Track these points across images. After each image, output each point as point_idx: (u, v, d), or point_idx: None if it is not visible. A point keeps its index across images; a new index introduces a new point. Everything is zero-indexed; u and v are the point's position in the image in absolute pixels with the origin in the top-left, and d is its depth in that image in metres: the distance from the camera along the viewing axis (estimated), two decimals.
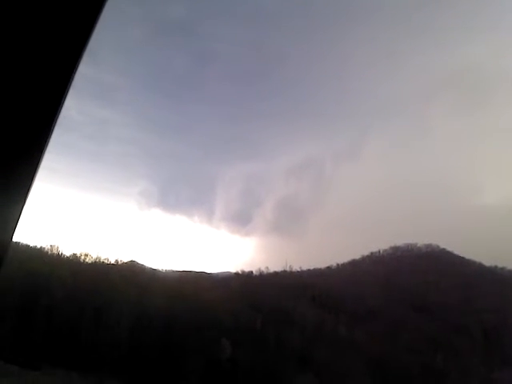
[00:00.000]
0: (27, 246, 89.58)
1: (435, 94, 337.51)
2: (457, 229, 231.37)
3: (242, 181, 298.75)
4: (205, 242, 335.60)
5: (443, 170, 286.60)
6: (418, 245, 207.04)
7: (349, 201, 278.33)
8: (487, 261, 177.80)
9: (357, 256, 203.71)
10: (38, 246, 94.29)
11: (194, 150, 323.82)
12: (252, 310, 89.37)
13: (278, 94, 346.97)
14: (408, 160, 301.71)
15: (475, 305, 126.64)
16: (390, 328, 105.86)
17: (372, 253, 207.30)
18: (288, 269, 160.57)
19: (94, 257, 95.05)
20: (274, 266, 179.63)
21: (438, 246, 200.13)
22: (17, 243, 76.56)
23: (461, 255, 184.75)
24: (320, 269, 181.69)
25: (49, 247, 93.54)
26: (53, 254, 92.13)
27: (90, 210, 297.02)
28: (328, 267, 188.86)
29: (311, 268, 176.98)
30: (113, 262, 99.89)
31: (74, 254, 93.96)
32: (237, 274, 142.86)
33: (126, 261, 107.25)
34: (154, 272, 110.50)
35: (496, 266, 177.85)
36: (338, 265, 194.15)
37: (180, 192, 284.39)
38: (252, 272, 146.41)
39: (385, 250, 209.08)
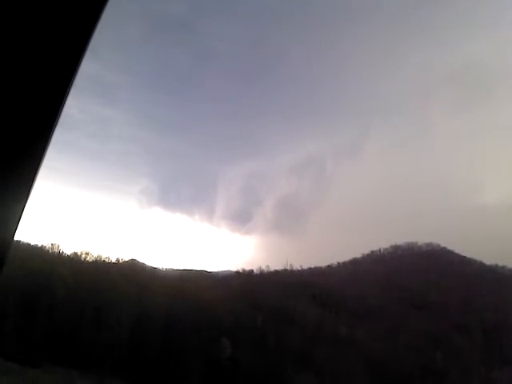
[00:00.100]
0: (28, 245, 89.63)
1: (435, 92, 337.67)
2: (457, 228, 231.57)
3: (243, 179, 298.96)
4: (205, 241, 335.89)
5: (444, 168, 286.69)
6: (419, 244, 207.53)
7: (349, 199, 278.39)
8: (488, 260, 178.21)
9: (357, 255, 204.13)
10: (39, 245, 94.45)
11: (195, 148, 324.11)
12: (252, 309, 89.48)
13: (278, 92, 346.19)
14: (408, 159, 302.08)
15: (475, 304, 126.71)
16: (390, 327, 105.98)
17: (373, 251, 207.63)
18: (288, 267, 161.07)
19: (95, 255, 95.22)
20: (275, 264, 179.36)
21: (438, 245, 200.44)
22: (18, 242, 76.60)
23: (461, 254, 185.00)
24: (320, 267, 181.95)
25: (50, 246, 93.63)
26: (53, 253, 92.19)
27: (91, 208, 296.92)
28: (328, 266, 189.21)
29: (312, 267, 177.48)
30: (114, 260, 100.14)
31: (75, 253, 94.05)
32: (237, 272, 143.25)
33: (126, 259, 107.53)
34: (154, 271, 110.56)
35: (496, 265, 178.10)
36: (338, 263, 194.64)
37: (181, 190, 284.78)
38: (252, 271, 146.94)
39: (385, 249, 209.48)
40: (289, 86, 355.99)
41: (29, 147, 2.09)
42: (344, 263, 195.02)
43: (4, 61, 1.94)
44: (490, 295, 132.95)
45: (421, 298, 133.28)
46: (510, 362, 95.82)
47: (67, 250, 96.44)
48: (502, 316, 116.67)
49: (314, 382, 72.86)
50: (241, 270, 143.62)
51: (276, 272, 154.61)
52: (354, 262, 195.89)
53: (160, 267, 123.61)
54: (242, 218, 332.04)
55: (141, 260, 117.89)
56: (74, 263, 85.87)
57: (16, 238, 2.35)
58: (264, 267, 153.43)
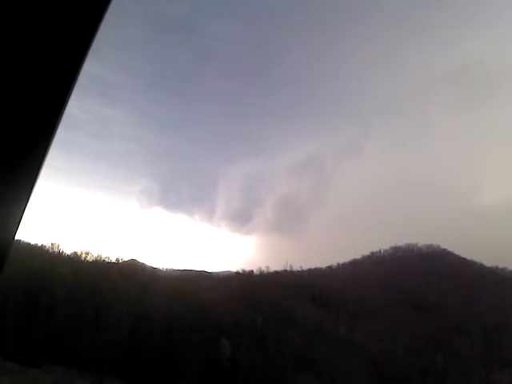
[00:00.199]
0: (28, 244, 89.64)
1: (435, 92, 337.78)
2: (458, 229, 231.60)
3: (243, 179, 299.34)
4: (205, 241, 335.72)
5: (444, 169, 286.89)
6: (419, 245, 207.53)
7: (350, 200, 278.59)
8: (488, 261, 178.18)
9: (357, 256, 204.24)
10: (39, 244, 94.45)
11: (196, 147, 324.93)
12: (252, 310, 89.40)
13: (278, 92, 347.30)
14: (408, 159, 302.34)
15: (475, 306, 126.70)
16: (390, 328, 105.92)
17: (373, 253, 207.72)
18: (288, 268, 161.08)
19: (95, 255, 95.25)
20: (275, 265, 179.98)
21: (438, 247, 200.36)
22: (18, 241, 76.60)
23: (461, 256, 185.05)
24: (320, 268, 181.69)
25: (50, 245, 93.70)
26: (54, 253, 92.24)
27: (92, 208, 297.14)
28: (329, 267, 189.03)
29: (312, 267, 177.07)
30: (114, 260, 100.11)
31: (75, 253, 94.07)
32: (237, 273, 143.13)
33: (126, 259, 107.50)
34: (154, 271, 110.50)
35: (497, 267, 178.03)
36: (338, 264, 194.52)
37: (181, 190, 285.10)
38: (252, 271, 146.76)
39: (385, 250, 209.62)
40: (289, 86, 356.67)
41: (31, 147, 2.09)
42: (344, 264, 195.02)
43: (7, 61, 1.94)
44: (490, 297, 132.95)
45: (421, 299, 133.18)
46: (510, 364, 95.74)
47: (67, 249, 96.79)
48: (502, 318, 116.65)
49: (313, 382, 72.83)
50: (241, 271, 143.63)
51: (276, 273, 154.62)
52: (354, 263, 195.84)
53: (160, 267, 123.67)
54: (242, 219, 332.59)
55: (141, 260, 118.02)
56: (74, 263, 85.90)
57: (17, 237, 2.35)
58: (264, 268, 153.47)
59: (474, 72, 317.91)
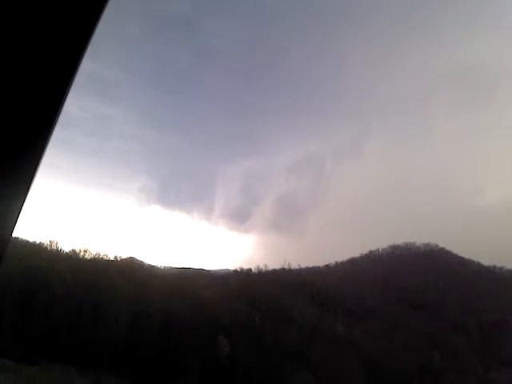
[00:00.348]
0: (26, 242, 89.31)
1: (436, 93, 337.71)
2: (456, 228, 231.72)
3: (242, 177, 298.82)
4: (204, 239, 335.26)
5: (442, 169, 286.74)
6: (417, 244, 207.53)
7: (348, 199, 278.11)
8: (486, 260, 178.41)
9: (356, 254, 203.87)
10: (37, 242, 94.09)
11: (194, 146, 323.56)
12: (250, 308, 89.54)
13: (278, 92, 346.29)
14: (407, 159, 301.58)
15: (473, 304, 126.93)
16: (387, 327, 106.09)
17: (371, 251, 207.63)
18: (287, 266, 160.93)
19: (94, 253, 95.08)
20: (273, 263, 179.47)
21: (436, 246, 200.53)
22: (16, 238, 76.46)
23: (459, 255, 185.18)
24: (319, 267, 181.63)
25: (48, 243, 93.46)
26: (52, 250, 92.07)
27: (90, 205, 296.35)
28: (327, 265, 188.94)
29: (310, 266, 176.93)
30: (112, 258, 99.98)
31: (73, 250, 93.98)
32: (235, 271, 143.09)
33: (125, 257, 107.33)
34: (152, 269, 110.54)
35: (494, 266, 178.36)
36: (336, 263, 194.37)
37: (180, 188, 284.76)
38: (251, 269, 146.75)
39: (384, 249, 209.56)
40: (289, 85, 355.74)
41: (28, 144, 2.09)
42: (342, 263, 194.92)
43: (4, 58, 1.93)
44: (487, 296, 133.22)
45: (419, 298, 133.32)
46: (508, 363, 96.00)
47: (65, 247, 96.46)
48: (500, 317, 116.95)
49: (311, 380, 73.01)
50: (239, 269, 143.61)
51: (274, 271, 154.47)
52: (352, 262, 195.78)
53: (158, 265, 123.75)
54: (240, 217, 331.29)
55: (139, 258, 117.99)
56: (73, 261, 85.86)
57: (14, 234, 2.35)
58: (262, 266, 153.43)
59: (475, 73, 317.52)
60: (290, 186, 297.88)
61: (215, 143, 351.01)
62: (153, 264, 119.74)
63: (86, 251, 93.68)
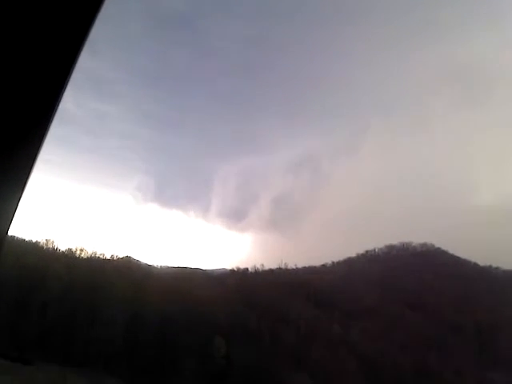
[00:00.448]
0: (22, 240, 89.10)
1: (435, 92, 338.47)
2: (452, 228, 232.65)
3: (239, 176, 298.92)
4: (200, 238, 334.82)
5: (439, 168, 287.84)
6: (414, 244, 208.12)
7: (345, 199, 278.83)
8: (482, 260, 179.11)
9: (352, 254, 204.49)
10: (34, 240, 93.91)
11: (191, 144, 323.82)
12: (247, 308, 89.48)
13: (276, 90, 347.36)
14: (405, 159, 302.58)
15: (470, 304, 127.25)
16: (384, 327, 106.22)
17: (367, 251, 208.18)
18: (283, 266, 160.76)
19: (90, 252, 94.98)
20: (270, 263, 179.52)
21: (433, 245, 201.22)
22: (12, 237, 76.15)
23: (456, 255, 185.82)
24: (315, 267, 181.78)
25: (44, 241, 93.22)
26: (48, 249, 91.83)
27: (87, 203, 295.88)
28: (323, 265, 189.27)
29: (306, 266, 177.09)
30: (108, 257, 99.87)
31: (70, 249, 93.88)
32: (232, 271, 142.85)
33: (121, 256, 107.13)
34: (149, 268, 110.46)
35: (490, 266, 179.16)
36: (333, 263, 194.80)
37: (176, 187, 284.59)
38: (247, 269, 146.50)
39: (380, 249, 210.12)
40: (287, 84, 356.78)
41: (25, 141, 2.07)
42: (339, 263, 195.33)
43: (1, 55, 1.92)
44: (484, 296, 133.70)
45: (415, 298, 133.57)
46: (504, 363, 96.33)
47: (62, 245, 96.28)
48: (496, 317, 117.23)
49: (308, 380, 73.02)
50: (236, 269, 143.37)
51: (271, 271, 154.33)
52: (349, 262, 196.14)
53: (155, 265, 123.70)
54: (237, 216, 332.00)
55: (136, 257, 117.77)
56: (69, 260, 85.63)
57: (10, 233, 2.32)
58: (259, 266, 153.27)
59: (474, 72, 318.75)
60: (287, 185, 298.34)
61: (212, 142, 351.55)
62: (149, 263, 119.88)
63: (82, 250, 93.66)
